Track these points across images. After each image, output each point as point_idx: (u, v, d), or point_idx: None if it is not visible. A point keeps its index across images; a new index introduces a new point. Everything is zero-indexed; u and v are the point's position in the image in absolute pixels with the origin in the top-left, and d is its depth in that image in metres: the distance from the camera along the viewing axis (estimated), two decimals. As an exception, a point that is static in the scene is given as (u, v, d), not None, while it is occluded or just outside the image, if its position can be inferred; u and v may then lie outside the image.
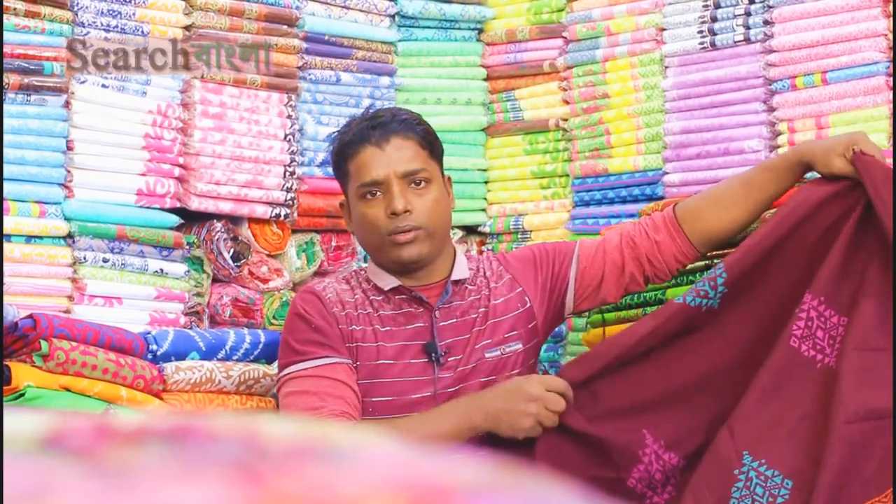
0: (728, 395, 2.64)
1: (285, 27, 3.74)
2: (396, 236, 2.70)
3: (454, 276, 2.79)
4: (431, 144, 2.79)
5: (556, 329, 3.28)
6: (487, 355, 2.76)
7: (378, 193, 2.71)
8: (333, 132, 2.95)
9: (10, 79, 3.24)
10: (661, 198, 3.65)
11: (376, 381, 2.69)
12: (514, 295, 2.84)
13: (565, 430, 2.59)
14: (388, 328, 2.73)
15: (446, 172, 2.90)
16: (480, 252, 4.07)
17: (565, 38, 3.95)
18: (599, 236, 3.17)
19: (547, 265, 2.91)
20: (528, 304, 2.85)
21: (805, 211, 2.69)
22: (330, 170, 3.78)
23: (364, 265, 3.67)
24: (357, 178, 2.75)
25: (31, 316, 2.93)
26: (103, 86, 3.40)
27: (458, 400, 2.63)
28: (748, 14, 3.54)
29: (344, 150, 2.78)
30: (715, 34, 3.60)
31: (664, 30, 3.72)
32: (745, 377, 2.63)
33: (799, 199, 2.72)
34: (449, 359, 2.72)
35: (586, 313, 3.32)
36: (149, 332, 3.20)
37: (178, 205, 3.51)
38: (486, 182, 4.13)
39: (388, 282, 2.76)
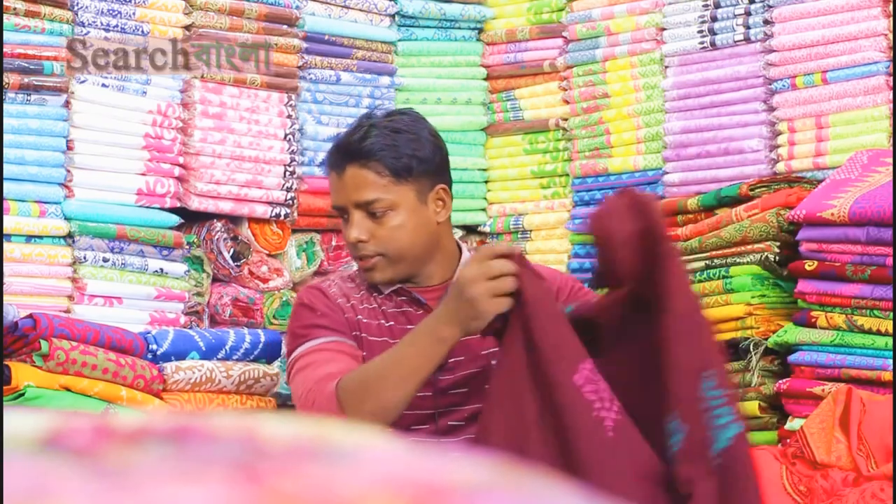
0: None
1: (285, 27, 3.74)
2: (360, 262, 2.71)
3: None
4: (399, 169, 2.72)
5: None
6: (494, 363, 2.74)
7: (346, 216, 2.71)
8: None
9: (10, 78, 3.24)
10: (661, 197, 3.65)
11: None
12: None
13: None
14: (391, 324, 2.73)
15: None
16: None
17: (565, 37, 3.95)
18: None
19: (565, 294, 2.84)
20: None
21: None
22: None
23: None
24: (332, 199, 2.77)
25: (31, 316, 2.93)
26: (103, 85, 3.40)
27: (415, 329, 2.62)
28: (748, 14, 3.54)
29: (326, 165, 2.80)
30: (715, 34, 3.60)
31: (664, 29, 3.72)
32: None
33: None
34: (450, 360, 2.71)
35: None
36: (149, 332, 3.20)
37: (178, 204, 3.51)
38: (486, 182, 4.13)
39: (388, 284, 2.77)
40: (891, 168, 3.06)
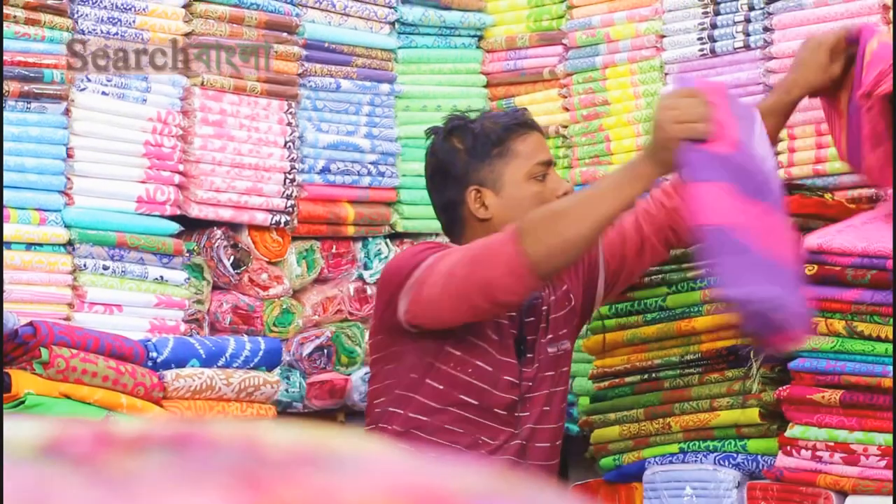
0: None
1: (285, 34, 3.74)
2: None
3: None
4: None
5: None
6: (549, 350, 2.83)
7: (543, 176, 2.82)
8: (435, 129, 3.02)
9: (10, 86, 3.24)
10: (661, 204, 3.65)
11: (479, 344, 2.74)
12: (562, 293, 2.90)
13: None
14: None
15: None
16: None
17: (565, 45, 3.95)
18: None
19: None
20: (573, 303, 2.90)
21: None
22: (330, 177, 3.80)
23: (376, 274, 3.70)
24: (532, 156, 2.84)
25: (31, 323, 2.93)
26: (103, 93, 3.40)
27: (612, 171, 2.83)
28: (748, 21, 3.54)
29: (507, 130, 2.86)
30: (715, 41, 3.61)
31: (664, 37, 3.72)
32: None
33: None
34: (528, 355, 2.79)
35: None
36: (149, 340, 3.20)
37: (178, 212, 3.51)
38: (486, 189, 4.13)
39: None
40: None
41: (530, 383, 2.82)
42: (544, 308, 2.89)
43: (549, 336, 2.87)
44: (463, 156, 2.85)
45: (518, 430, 2.81)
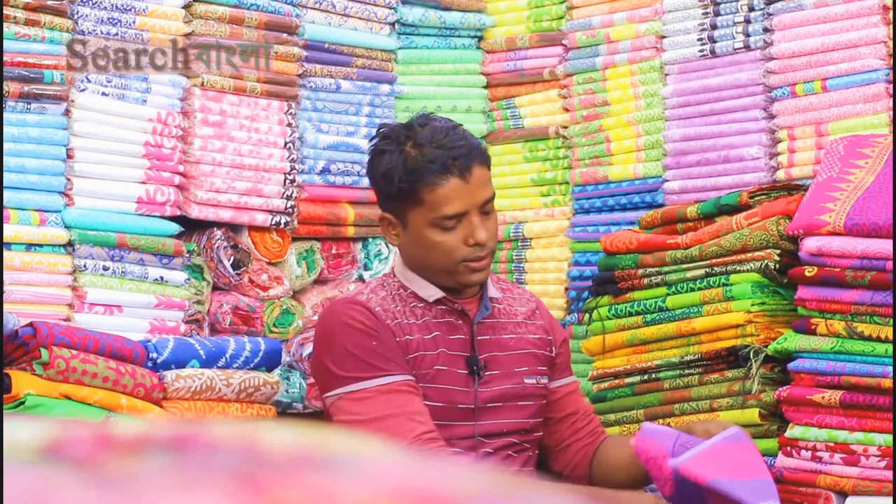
0: None
1: (285, 35, 3.74)
2: (472, 263, 2.65)
3: (490, 294, 2.78)
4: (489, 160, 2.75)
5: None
6: (527, 381, 2.77)
7: (459, 222, 2.62)
8: (375, 139, 2.74)
9: (11, 87, 3.24)
10: (661, 205, 3.65)
11: (432, 387, 2.67)
12: (545, 339, 2.84)
13: None
14: (434, 334, 2.71)
15: None
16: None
17: (565, 45, 3.96)
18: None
19: (560, 352, 2.90)
20: (553, 353, 2.85)
21: None
22: (330, 178, 3.80)
23: (377, 273, 3.65)
24: (435, 209, 2.60)
25: (31, 324, 2.93)
26: (103, 94, 3.40)
27: None
28: (748, 21, 3.54)
29: (417, 175, 2.61)
30: (715, 41, 3.61)
31: (664, 37, 3.73)
32: None
33: None
34: (486, 373, 2.73)
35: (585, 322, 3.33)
36: (149, 340, 3.20)
37: (178, 213, 3.51)
38: (486, 189, 4.13)
39: (433, 293, 2.71)
40: (871, 162, 3.07)
41: (493, 405, 2.75)
42: (514, 337, 2.80)
43: (526, 367, 2.76)
44: (379, 182, 2.70)
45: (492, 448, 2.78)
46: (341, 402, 2.63)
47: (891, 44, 3.29)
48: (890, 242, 2.85)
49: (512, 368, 2.75)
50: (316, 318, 3.61)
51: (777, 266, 3.09)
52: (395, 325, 2.65)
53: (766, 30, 3.50)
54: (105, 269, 3.35)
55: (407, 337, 2.65)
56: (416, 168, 2.61)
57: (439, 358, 2.68)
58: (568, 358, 2.93)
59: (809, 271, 2.96)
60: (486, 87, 4.14)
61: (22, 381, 2.84)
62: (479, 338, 2.73)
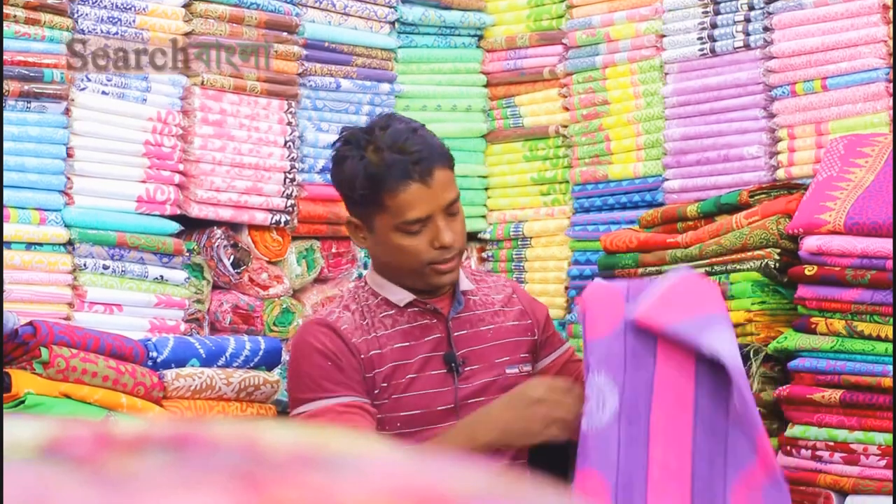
0: None
1: (285, 34, 3.74)
2: (440, 265, 2.65)
3: (462, 287, 2.78)
4: (452, 161, 2.72)
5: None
6: (508, 371, 2.76)
7: (424, 225, 2.61)
8: (338, 143, 2.73)
9: (10, 86, 3.24)
10: (661, 204, 3.65)
11: (403, 397, 2.67)
12: (525, 324, 2.84)
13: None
14: (407, 343, 2.70)
15: None
16: (481, 262, 4.07)
17: (565, 44, 3.96)
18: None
19: (545, 330, 2.90)
20: (535, 336, 2.85)
21: None
22: (330, 176, 3.80)
23: (356, 279, 3.64)
24: (398, 214, 2.60)
25: (31, 323, 2.93)
26: (103, 93, 3.40)
27: (459, 422, 2.62)
28: (748, 20, 3.54)
29: (378, 182, 2.60)
30: (715, 41, 3.61)
31: (664, 36, 3.73)
32: None
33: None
34: (466, 369, 2.73)
35: None
36: (149, 339, 3.20)
37: (179, 212, 3.51)
38: (486, 188, 4.14)
39: (403, 297, 2.72)
40: (871, 161, 3.07)
41: (474, 401, 2.72)
42: (492, 327, 2.81)
43: (506, 357, 2.76)
44: (343, 187, 2.71)
45: None
46: (296, 422, 2.65)
47: (891, 43, 3.29)
48: (890, 241, 2.85)
49: (492, 360, 2.75)
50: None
51: (777, 265, 3.09)
52: (362, 343, 2.66)
53: (766, 29, 3.50)
54: (105, 267, 3.35)
55: (377, 351, 2.66)
56: (376, 174, 2.60)
57: (415, 365, 2.68)
58: (555, 331, 2.94)
59: (809, 270, 2.96)
60: (486, 86, 4.14)
61: (22, 380, 2.84)
62: (455, 334, 2.74)
